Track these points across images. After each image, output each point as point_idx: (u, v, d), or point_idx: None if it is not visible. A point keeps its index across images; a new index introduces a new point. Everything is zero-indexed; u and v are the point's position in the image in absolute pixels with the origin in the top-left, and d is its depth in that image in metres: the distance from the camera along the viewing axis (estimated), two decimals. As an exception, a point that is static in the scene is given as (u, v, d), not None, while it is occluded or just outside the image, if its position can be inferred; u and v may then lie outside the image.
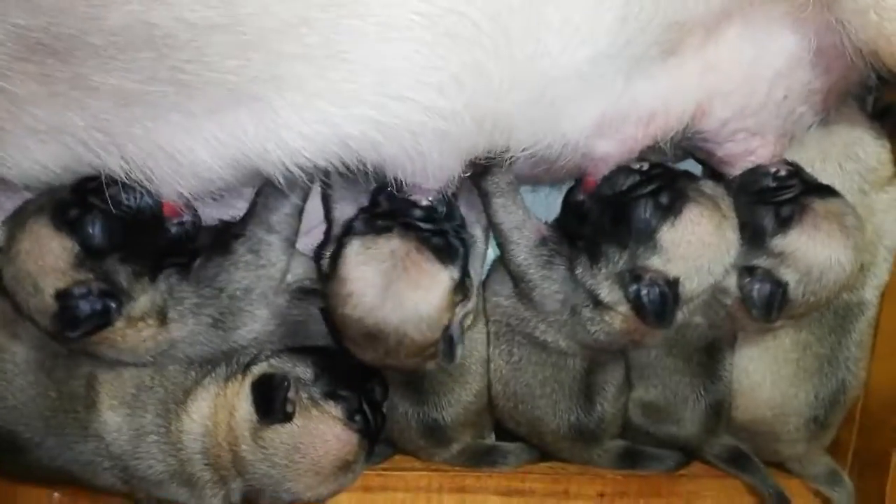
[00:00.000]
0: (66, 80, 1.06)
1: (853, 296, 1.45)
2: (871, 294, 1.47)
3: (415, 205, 1.26)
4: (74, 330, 1.20)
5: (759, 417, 1.51)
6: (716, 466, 1.56)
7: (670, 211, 1.26)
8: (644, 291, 1.26)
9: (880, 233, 1.44)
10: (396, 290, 1.22)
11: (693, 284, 1.28)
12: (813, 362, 1.47)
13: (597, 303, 1.33)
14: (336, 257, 1.26)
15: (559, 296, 1.37)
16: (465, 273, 1.29)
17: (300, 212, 1.33)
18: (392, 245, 1.23)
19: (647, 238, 1.26)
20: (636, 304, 1.27)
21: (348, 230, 1.27)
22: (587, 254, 1.33)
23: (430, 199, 1.27)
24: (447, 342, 1.29)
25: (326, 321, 1.39)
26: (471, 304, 1.34)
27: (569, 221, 1.41)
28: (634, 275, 1.27)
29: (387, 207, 1.27)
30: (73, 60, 1.04)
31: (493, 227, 1.41)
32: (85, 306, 1.20)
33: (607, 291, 1.31)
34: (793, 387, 1.48)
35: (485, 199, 1.38)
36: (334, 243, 1.32)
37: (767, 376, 1.49)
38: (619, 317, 1.32)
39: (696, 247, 1.26)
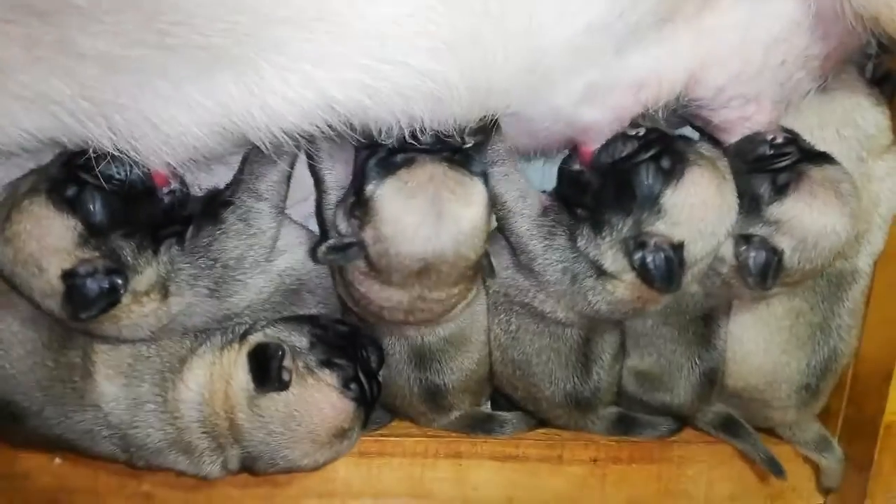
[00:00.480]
0: (51, 43, 1.04)
1: (847, 264, 1.46)
2: (864, 262, 1.47)
3: (418, 138, 1.22)
4: (86, 310, 1.19)
5: (751, 384, 1.53)
6: (707, 433, 1.58)
7: (672, 174, 1.26)
8: (650, 258, 1.25)
9: (876, 201, 1.43)
10: (449, 211, 1.20)
11: (697, 247, 1.27)
12: (805, 330, 1.48)
13: (600, 272, 1.32)
14: (364, 208, 1.22)
15: (560, 265, 1.36)
16: (487, 178, 1.28)
17: (288, 178, 1.32)
18: (427, 171, 1.20)
19: (651, 203, 1.26)
20: (642, 271, 1.26)
21: (366, 178, 1.23)
22: (590, 223, 1.32)
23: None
24: (487, 258, 1.32)
25: (344, 307, 1.37)
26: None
27: (567, 192, 1.40)
28: (639, 241, 1.26)
29: (394, 144, 1.23)
30: (58, 22, 1.02)
31: (493, 198, 1.37)
32: (93, 285, 1.19)
33: (611, 260, 1.30)
34: (785, 354, 1.49)
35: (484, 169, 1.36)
36: (345, 202, 1.29)
37: (760, 344, 1.50)
38: (622, 285, 1.32)
39: (699, 209, 1.26)
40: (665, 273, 1.25)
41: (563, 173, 1.42)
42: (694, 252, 1.27)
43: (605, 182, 1.31)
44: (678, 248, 1.26)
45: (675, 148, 1.28)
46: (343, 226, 1.29)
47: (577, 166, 1.36)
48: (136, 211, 1.24)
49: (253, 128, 1.14)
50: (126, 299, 1.23)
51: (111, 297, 1.21)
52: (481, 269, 1.35)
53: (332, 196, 1.36)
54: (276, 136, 1.15)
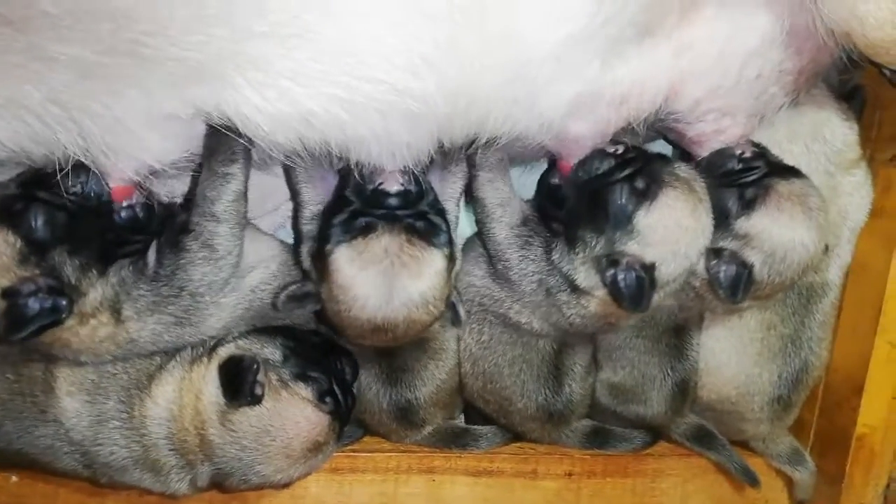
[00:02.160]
0: (22, 50, 1.02)
1: (817, 277, 1.47)
2: (834, 275, 1.49)
3: (388, 194, 1.25)
4: (21, 330, 1.15)
5: (724, 396, 1.53)
6: (682, 445, 1.59)
7: (646, 196, 1.26)
8: (621, 276, 1.26)
9: (844, 214, 1.46)
10: (400, 285, 1.21)
11: (669, 268, 1.28)
12: (777, 342, 1.49)
13: (573, 287, 1.33)
14: (322, 262, 1.24)
15: (536, 277, 1.36)
16: (451, 244, 1.29)
17: (243, 196, 1.29)
18: (383, 243, 1.21)
19: (624, 223, 1.26)
20: (613, 289, 1.27)
21: (328, 236, 1.24)
22: (564, 238, 1.33)
23: (401, 182, 1.25)
24: (452, 309, 1.32)
25: (318, 316, 1.38)
26: (458, 265, 1.35)
27: (545, 205, 1.41)
28: (611, 260, 1.27)
29: (360, 205, 1.25)
30: (28, 29, 1.00)
31: (475, 203, 1.39)
32: (34, 304, 1.16)
33: (584, 276, 1.31)
34: (757, 366, 1.50)
35: (472, 172, 1.37)
36: (311, 242, 1.31)
37: (732, 356, 1.51)
38: (594, 300, 1.32)
39: (672, 231, 1.27)
40: (635, 292, 1.26)
41: (542, 185, 1.43)
42: (666, 273, 1.28)
43: (581, 198, 1.32)
44: (650, 268, 1.26)
45: (651, 168, 1.29)
46: (307, 264, 1.31)
47: (555, 180, 1.37)
48: (85, 228, 1.21)
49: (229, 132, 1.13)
50: (71, 321, 1.20)
51: (51, 318, 1.17)
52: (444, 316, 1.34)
53: (307, 211, 1.36)
54: (253, 145, 1.15)
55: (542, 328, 1.42)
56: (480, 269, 1.43)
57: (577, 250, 1.31)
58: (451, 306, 1.32)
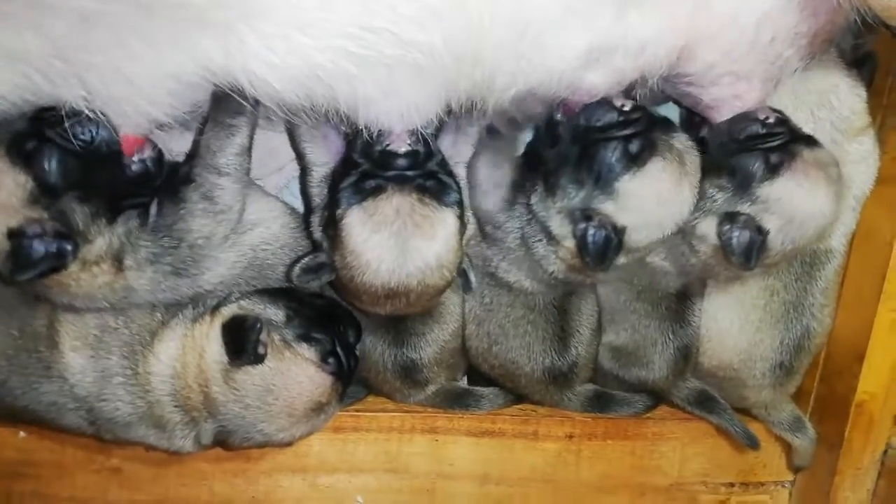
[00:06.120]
0: None
1: (821, 244, 1.47)
2: (838, 242, 1.48)
3: (396, 154, 1.23)
4: (26, 271, 1.15)
5: (725, 362, 1.54)
6: (682, 409, 1.60)
7: (635, 161, 1.26)
8: (591, 232, 1.26)
9: (849, 182, 1.43)
10: (414, 246, 1.20)
11: (640, 236, 1.29)
12: (779, 308, 1.49)
13: (549, 237, 1.33)
14: (334, 229, 1.23)
15: (518, 232, 1.37)
16: (462, 205, 1.28)
17: (247, 150, 1.28)
18: (394, 204, 1.20)
19: (607, 183, 1.26)
20: (580, 243, 1.28)
21: (337, 201, 1.23)
22: (545, 183, 1.32)
23: (409, 143, 1.24)
24: (463, 276, 1.32)
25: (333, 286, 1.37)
26: (470, 229, 1.35)
27: (539, 141, 1.39)
28: (585, 214, 1.27)
29: (368, 166, 1.24)
30: (27, -23, 0.98)
31: (471, 173, 1.40)
32: (39, 247, 1.15)
33: (557, 224, 1.31)
34: (759, 332, 1.50)
35: (477, 148, 1.38)
36: (322, 211, 1.30)
37: (735, 322, 1.51)
38: (563, 250, 1.33)
39: (650, 201, 1.27)
40: (601, 250, 1.27)
41: (545, 121, 1.40)
42: (635, 239, 1.29)
43: (573, 145, 1.30)
44: (620, 231, 1.26)
45: (649, 134, 1.27)
46: (318, 234, 1.31)
47: (557, 115, 1.33)
48: (97, 176, 1.20)
49: (235, 93, 1.11)
50: (74, 266, 1.20)
51: (55, 262, 1.17)
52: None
53: (315, 173, 1.36)
54: (259, 103, 1.13)
55: (532, 286, 1.42)
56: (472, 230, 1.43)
57: (555, 198, 1.31)
58: (462, 272, 1.32)
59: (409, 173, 1.23)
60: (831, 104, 1.41)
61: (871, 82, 1.44)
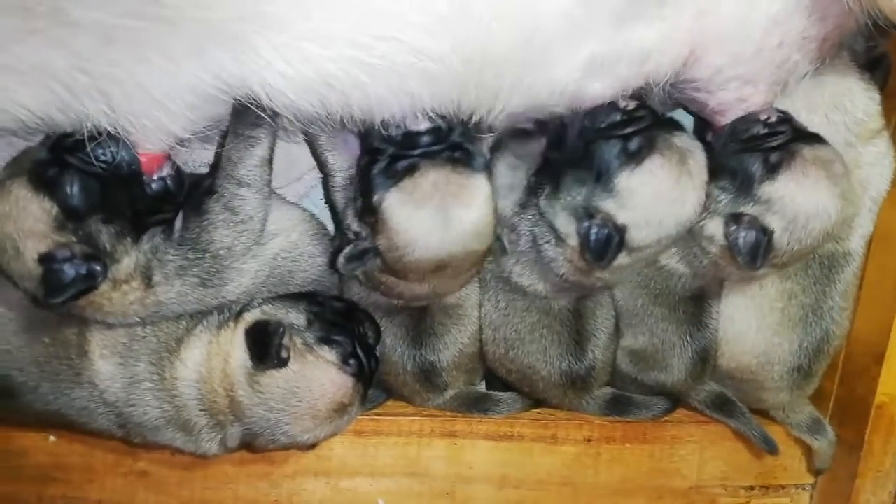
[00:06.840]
0: (45, 14, 1.03)
1: (839, 246, 1.47)
2: (856, 244, 1.48)
3: (419, 133, 1.24)
4: (59, 295, 1.18)
5: (744, 365, 1.54)
6: (700, 412, 1.60)
7: (633, 159, 1.27)
8: (593, 230, 1.28)
9: (865, 185, 1.44)
10: (455, 215, 1.21)
11: (641, 234, 1.29)
12: (798, 312, 1.49)
13: (557, 238, 1.35)
14: (373, 215, 1.24)
15: (530, 234, 1.39)
16: (489, 169, 1.29)
17: (268, 161, 1.30)
18: (430, 179, 1.21)
19: (606, 181, 1.27)
20: (583, 240, 1.29)
21: (372, 188, 1.24)
22: (551, 181, 1.34)
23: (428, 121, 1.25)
24: (498, 240, 1.34)
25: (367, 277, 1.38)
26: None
27: (555, 139, 1.40)
28: (588, 212, 1.29)
29: (395, 149, 1.25)
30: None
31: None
32: (70, 270, 1.19)
33: (563, 222, 1.33)
34: (777, 335, 1.50)
35: (497, 153, 1.40)
36: (354, 203, 1.30)
37: (753, 325, 1.51)
38: (568, 249, 1.34)
39: (649, 199, 1.28)
40: (601, 248, 1.28)
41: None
42: (637, 238, 1.29)
43: (577, 143, 1.32)
44: (621, 229, 1.28)
45: (650, 133, 1.28)
46: (355, 226, 1.31)
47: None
48: (119, 196, 1.23)
49: (252, 104, 1.14)
50: (105, 286, 1.23)
51: (86, 284, 1.20)
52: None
53: (338, 178, 1.38)
54: (275, 112, 1.16)
55: (545, 290, 1.44)
56: None
57: (560, 195, 1.32)
58: (497, 237, 1.33)
59: (436, 147, 1.24)
60: (845, 107, 1.41)
61: (884, 85, 1.44)
